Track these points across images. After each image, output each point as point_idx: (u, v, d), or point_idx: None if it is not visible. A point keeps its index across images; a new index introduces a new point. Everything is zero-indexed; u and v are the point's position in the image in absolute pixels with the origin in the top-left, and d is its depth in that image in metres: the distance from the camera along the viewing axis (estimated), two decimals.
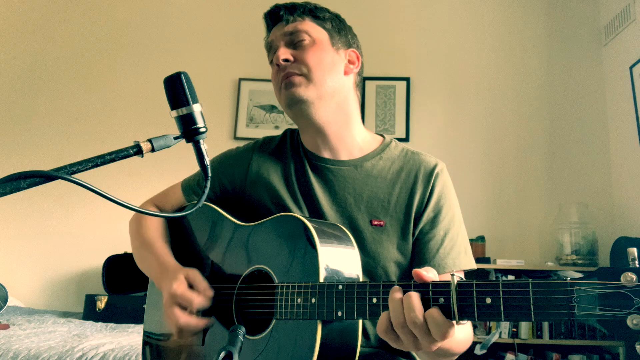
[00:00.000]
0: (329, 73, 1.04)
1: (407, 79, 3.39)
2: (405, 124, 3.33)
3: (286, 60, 1.04)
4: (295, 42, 1.05)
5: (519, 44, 3.43)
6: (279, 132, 1.20)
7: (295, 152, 1.13)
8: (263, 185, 1.10)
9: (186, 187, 1.19)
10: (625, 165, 3.04)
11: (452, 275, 0.70)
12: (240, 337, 0.89)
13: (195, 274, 0.97)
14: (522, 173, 3.26)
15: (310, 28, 1.07)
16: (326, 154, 1.09)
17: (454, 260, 1.02)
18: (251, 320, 0.95)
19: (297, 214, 0.96)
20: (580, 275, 2.76)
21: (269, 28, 1.12)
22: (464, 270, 1.04)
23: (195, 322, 0.94)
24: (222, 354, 0.84)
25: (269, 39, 1.11)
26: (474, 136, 3.33)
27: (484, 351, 2.67)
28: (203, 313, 0.99)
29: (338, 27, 1.10)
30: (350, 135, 1.09)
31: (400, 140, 1.17)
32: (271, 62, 1.10)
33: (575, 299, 0.61)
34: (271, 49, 1.10)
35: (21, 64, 3.60)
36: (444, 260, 1.01)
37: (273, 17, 1.10)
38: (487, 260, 2.89)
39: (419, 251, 1.03)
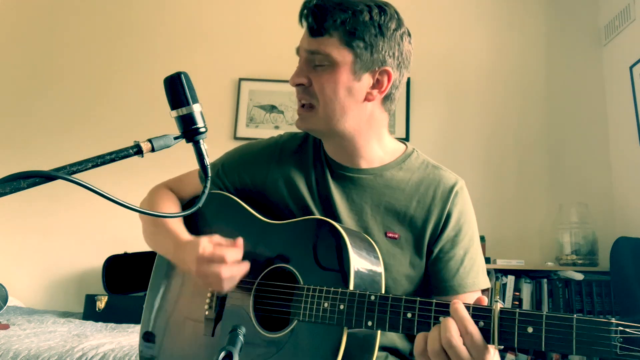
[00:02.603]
0: (341, 105, 0.98)
1: (407, 79, 3.38)
2: (405, 124, 3.33)
3: (300, 84, 1.00)
4: (315, 64, 0.98)
5: (519, 44, 3.43)
6: (279, 132, 1.20)
7: (317, 157, 1.11)
8: (282, 188, 1.09)
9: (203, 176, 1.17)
10: (625, 165, 3.03)
11: (496, 301, 0.72)
12: (241, 337, 0.89)
13: (217, 237, 0.97)
14: (522, 173, 3.26)
15: (334, 50, 0.96)
16: (345, 162, 1.08)
17: (474, 279, 1.01)
18: (268, 318, 0.95)
19: (330, 220, 0.95)
20: (580, 275, 2.77)
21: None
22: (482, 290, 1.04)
23: (237, 269, 0.93)
24: (222, 354, 0.85)
25: (299, 43, 1.04)
26: (474, 136, 3.33)
27: None
28: (219, 305, 1.00)
29: (371, 44, 0.96)
30: (370, 149, 1.06)
31: (400, 140, 1.15)
32: None
33: (618, 339, 0.63)
34: (298, 53, 1.04)
35: (21, 63, 3.60)
36: (465, 279, 1.00)
37: (302, 20, 1.00)
38: (487, 260, 2.89)
39: (439, 270, 1.01)
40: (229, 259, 0.92)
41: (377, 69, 0.99)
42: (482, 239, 3.00)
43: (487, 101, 3.37)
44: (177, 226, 1.09)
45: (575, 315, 0.66)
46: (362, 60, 0.97)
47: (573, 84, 3.32)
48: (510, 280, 2.85)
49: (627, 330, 0.63)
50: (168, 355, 1.07)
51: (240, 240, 0.96)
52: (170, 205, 1.16)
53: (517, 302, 2.80)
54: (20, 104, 3.53)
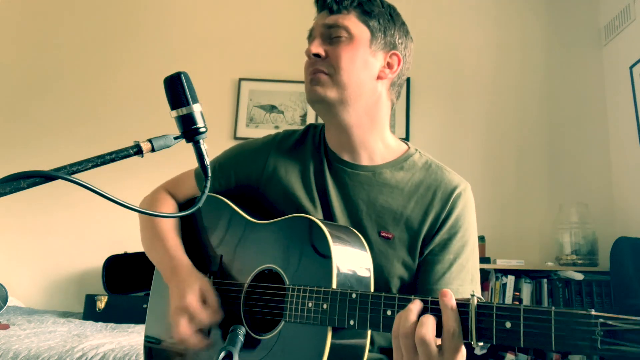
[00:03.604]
0: (357, 76, 0.99)
1: (407, 79, 3.39)
2: (405, 123, 3.33)
3: (317, 55, 1.00)
4: (332, 37, 1.01)
5: (519, 44, 3.43)
6: (280, 132, 1.18)
7: (316, 150, 1.10)
8: (279, 182, 1.07)
9: (200, 174, 1.16)
10: (625, 165, 3.03)
11: (472, 295, 0.69)
12: (240, 337, 0.90)
13: (208, 289, 0.97)
14: (522, 173, 3.26)
15: (352, 24, 1.01)
16: (346, 156, 1.06)
17: (459, 287, 0.97)
18: (259, 320, 0.95)
19: (312, 217, 0.94)
20: (580, 275, 2.77)
21: (318, 12, 1.07)
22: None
23: (197, 340, 0.95)
24: (222, 354, 0.85)
25: (312, 25, 1.07)
26: (474, 136, 3.33)
27: (484, 351, 2.67)
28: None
29: (384, 27, 1.03)
30: (374, 141, 1.05)
31: (402, 140, 1.14)
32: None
33: (598, 332, 0.60)
34: (310, 36, 1.06)
35: (21, 63, 3.60)
36: (448, 285, 0.97)
37: (320, 2, 1.05)
38: (487, 260, 2.89)
39: (425, 271, 0.99)
40: (202, 326, 0.95)
41: (389, 51, 1.04)
42: (482, 239, 3.00)
43: (487, 101, 3.37)
44: (176, 247, 1.08)
45: (553, 308, 0.63)
46: (376, 39, 1.02)
47: (573, 84, 3.32)
48: (510, 280, 2.85)
49: (609, 322, 0.59)
50: (169, 358, 1.07)
51: (220, 314, 0.96)
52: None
53: (517, 302, 2.80)
54: (20, 104, 3.53)
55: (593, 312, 0.61)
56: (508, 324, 0.65)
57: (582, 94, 3.30)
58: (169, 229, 1.12)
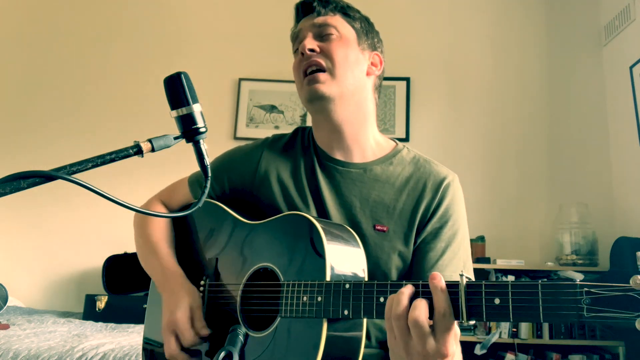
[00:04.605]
0: (352, 71, 1.04)
1: (407, 79, 3.39)
2: (405, 124, 3.33)
3: (312, 50, 1.03)
4: (322, 35, 1.05)
5: (519, 44, 3.44)
6: (279, 132, 1.20)
7: (306, 150, 1.12)
8: (272, 183, 1.09)
9: (193, 182, 1.18)
10: (625, 165, 3.03)
11: (461, 275, 0.70)
12: (240, 337, 0.90)
13: (197, 309, 0.99)
14: (522, 173, 3.26)
15: (340, 24, 1.07)
16: (338, 155, 1.08)
17: (452, 274, 1.00)
18: (256, 318, 0.95)
19: (305, 214, 0.95)
20: (580, 275, 2.77)
21: (298, 18, 1.11)
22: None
23: (184, 358, 0.97)
24: (222, 354, 0.85)
25: (296, 28, 1.10)
26: (474, 136, 3.33)
27: (484, 351, 2.67)
28: (208, 310, 1.02)
29: (366, 29, 1.10)
30: (365, 137, 1.09)
31: (400, 140, 1.17)
32: (295, 52, 1.08)
33: (584, 301, 0.61)
34: (297, 38, 1.09)
35: (21, 64, 3.60)
36: (442, 272, 0.98)
37: (304, 8, 1.10)
38: (487, 260, 2.89)
39: (418, 260, 1.01)
40: (184, 344, 0.96)
41: (372, 51, 1.11)
42: (482, 239, 3.01)
43: (487, 101, 3.37)
44: (167, 257, 1.09)
45: (540, 282, 0.65)
46: (361, 39, 1.08)
47: (573, 84, 3.32)
48: (510, 280, 2.85)
49: (593, 290, 0.61)
50: None
51: (204, 332, 0.97)
52: (162, 226, 1.16)
53: None
54: (20, 104, 3.54)
55: (578, 282, 0.62)
56: (497, 300, 0.67)
57: (582, 94, 3.30)
58: (161, 239, 1.13)
